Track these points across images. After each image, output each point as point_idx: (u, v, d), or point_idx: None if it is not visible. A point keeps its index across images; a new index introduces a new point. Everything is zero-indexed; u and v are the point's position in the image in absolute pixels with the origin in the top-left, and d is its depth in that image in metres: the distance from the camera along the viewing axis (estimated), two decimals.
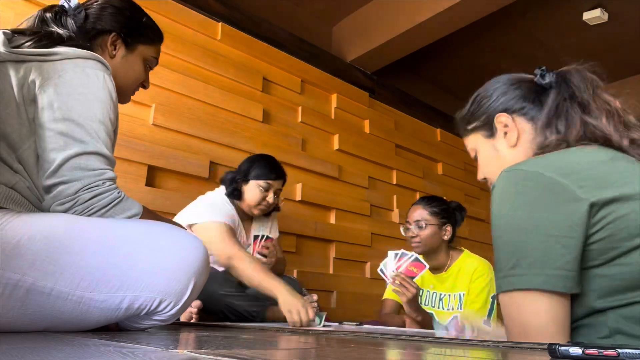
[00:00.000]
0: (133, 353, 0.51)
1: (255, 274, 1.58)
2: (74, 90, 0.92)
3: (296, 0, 3.25)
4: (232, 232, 1.80)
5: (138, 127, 2.20)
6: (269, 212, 2.07)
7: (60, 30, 1.01)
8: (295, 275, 2.61)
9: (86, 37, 1.06)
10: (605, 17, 3.32)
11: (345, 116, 3.26)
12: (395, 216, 3.37)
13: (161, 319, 0.93)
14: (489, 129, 0.88)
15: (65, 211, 0.89)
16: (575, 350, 0.47)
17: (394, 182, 3.46)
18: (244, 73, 2.70)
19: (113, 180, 0.94)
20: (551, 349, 0.49)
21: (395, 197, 3.42)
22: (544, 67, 0.86)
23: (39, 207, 0.93)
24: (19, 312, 0.80)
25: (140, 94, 2.21)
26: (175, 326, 1.27)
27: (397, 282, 1.71)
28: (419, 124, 3.85)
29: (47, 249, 0.81)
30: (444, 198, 2.13)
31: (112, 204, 0.93)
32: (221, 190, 2.00)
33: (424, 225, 1.94)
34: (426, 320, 1.79)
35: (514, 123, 0.84)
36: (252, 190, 1.94)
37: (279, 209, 2.15)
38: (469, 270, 1.91)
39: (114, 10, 1.11)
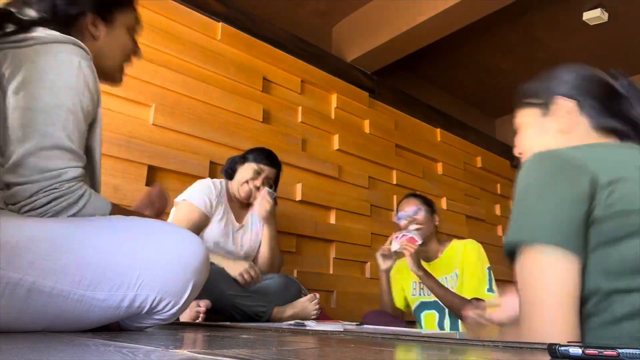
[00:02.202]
0: (133, 353, 0.51)
1: None
2: (43, 77, 0.87)
3: (296, 0, 3.25)
4: (198, 214, 1.88)
5: (138, 127, 2.20)
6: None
7: (26, 18, 0.92)
8: (295, 275, 2.61)
9: (60, 26, 0.96)
10: (605, 17, 3.32)
11: (345, 116, 3.26)
12: (395, 216, 3.37)
13: (162, 318, 0.93)
14: (546, 107, 0.88)
15: (21, 213, 0.86)
16: (575, 350, 0.47)
17: (394, 182, 3.46)
18: (244, 73, 2.70)
19: (75, 179, 0.88)
20: (551, 349, 0.49)
21: (395, 197, 3.42)
22: (622, 71, 0.86)
23: None
24: (20, 311, 0.80)
25: (140, 94, 2.22)
26: (175, 326, 1.27)
27: (403, 242, 1.94)
28: (419, 124, 3.85)
29: (47, 248, 0.81)
30: None
31: (73, 207, 0.88)
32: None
33: (420, 211, 2.11)
34: (427, 275, 1.94)
35: (572, 112, 0.84)
36: (244, 171, 2.02)
37: (275, 202, 2.16)
38: (459, 250, 2.04)
39: None
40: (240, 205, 2.09)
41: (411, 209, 2.13)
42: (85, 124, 0.93)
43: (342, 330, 1.25)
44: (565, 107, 0.84)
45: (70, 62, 0.90)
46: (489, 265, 1.97)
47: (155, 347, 0.61)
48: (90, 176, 1.01)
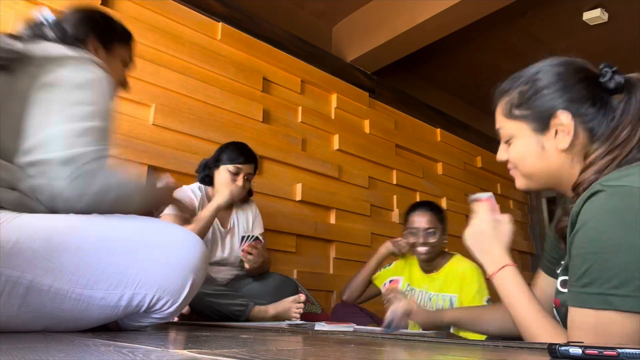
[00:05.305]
0: (133, 353, 0.51)
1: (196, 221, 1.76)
2: (72, 78, 0.94)
3: (296, 1, 3.25)
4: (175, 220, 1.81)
5: (138, 127, 2.20)
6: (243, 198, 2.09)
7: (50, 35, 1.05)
8: (295, 275, 2.61)
9: (68, 45, 1.07)
10: (605, 17, 3.32)
11: (345, 116, 3.26)
12: (395, 216, 3.37)
13: (160, 317, 0.94)
14: (542, 123, 0.80)
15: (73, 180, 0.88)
16: (576, 350, 0.47)
17: (394, 182, 3.46)
18: (244, 73, 2.70)
19: (93, 160, 0.92)
20: (551, 349, 0.49)
21: (395, 197, 3.42)
22: (615, 68, 0.78)
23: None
24: (19, 310, 0.80)
25: (140, 94, 2.22)
26: (174, 326, 1.27)
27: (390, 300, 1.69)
28: (419, 124, 3.85)
29: (45, 246, 0.81)
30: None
31: (102, 177, 0.93)
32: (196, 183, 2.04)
33: (436, 232, 1.94)
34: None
35: (572, 127, 0.77)
36: (222, 175, 1.97)
37: (251, 193, 2.15)
38: (459, 272, 1.92)
39: (87, 18, 1.15)
40: (225, 208, 2.04)
41: (425, 227, 1.94)
42: (107, 121, 1.00)
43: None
44: (564, 122, 0.77)
45: (95, 71, 0.99)
46: (488, 296, 1.83)
47: (155, 347, 0.61)
48: None
